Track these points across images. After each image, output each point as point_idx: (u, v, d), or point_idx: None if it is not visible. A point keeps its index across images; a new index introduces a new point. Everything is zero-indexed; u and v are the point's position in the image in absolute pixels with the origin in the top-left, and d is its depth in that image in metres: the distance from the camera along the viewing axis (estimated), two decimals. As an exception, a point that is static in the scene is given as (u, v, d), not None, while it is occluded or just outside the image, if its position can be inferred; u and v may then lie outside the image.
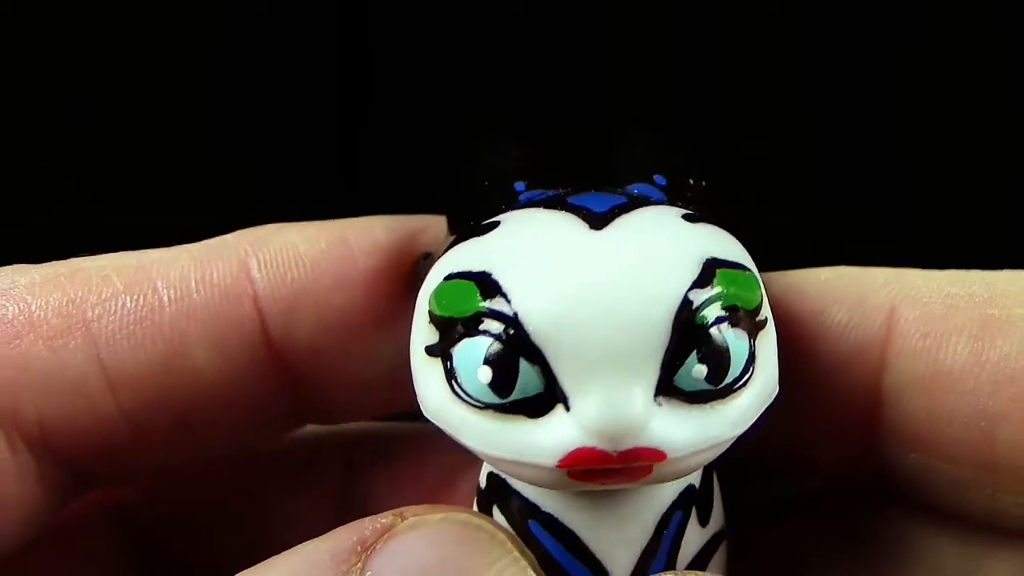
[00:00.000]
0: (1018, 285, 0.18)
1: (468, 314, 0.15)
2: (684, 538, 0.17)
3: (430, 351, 0.16)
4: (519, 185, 0.18)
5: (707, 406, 0.15)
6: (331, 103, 0.34)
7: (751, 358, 0.16)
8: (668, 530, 0.17)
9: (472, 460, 0.17)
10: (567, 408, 0.15)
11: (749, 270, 0.16)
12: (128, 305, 0.19)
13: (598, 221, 0.16)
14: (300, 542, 0.16)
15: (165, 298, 0.19)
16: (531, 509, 0.17)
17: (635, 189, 0.18)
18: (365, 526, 0.16)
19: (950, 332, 0.18)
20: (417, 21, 0.34)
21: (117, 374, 0.19)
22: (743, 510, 0.20)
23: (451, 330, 0.16)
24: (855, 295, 0.18)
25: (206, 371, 0.19)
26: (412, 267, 0.19)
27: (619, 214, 0.16)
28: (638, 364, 0.15)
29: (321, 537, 0.16)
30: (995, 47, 0.33)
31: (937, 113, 0.33)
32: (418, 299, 0.17)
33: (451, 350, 0.16)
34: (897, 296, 0.18)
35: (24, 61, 0.33)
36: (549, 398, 0.15)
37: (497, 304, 0.15)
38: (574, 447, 0.15)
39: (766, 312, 0.16)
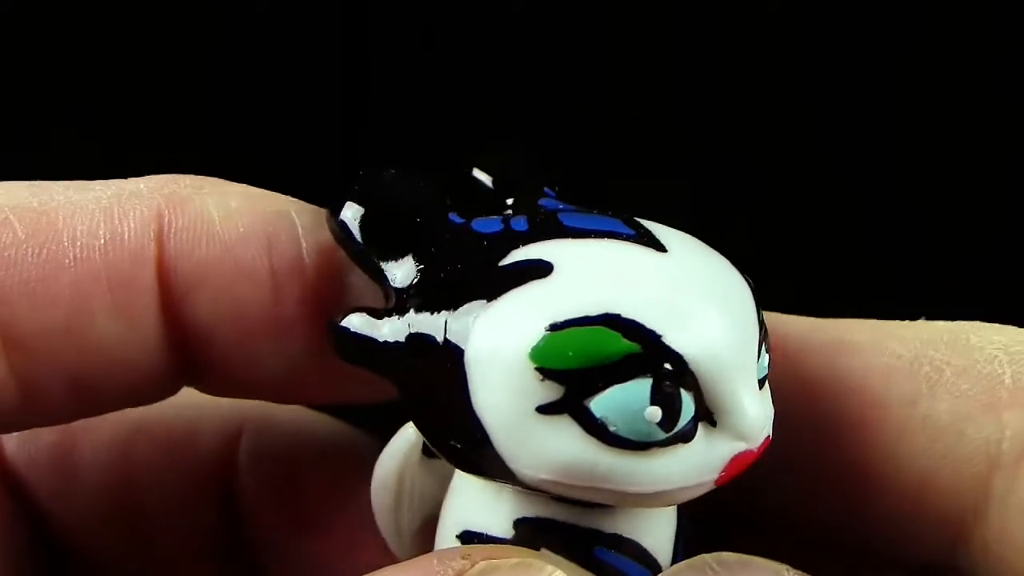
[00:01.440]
0: (870, 326, 0.19)
1: (614, 359, 0.15)
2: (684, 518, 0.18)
3: (548, 410, 0.15)
4: (550, 191, 0.18)
5: (765, 389, 0.17)
6: (331, 103, 0.34)
7: None
8: (682, 511, 0.18)
9: (359, 478, 0.18)
10: (712, 424, 0.16)
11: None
12: (30, 259, 0.17)
13: (649, 243, 0.17)
14: (180, 516, 0.15)
15: (71, 255, 0.17)
16: (595, 536, 0.17)
17: (545, 204, 0.18)
18: (435, 570, 0.16)
19: (809, 352, 0.19)
20: (417, 21, 0.34)
21: (13, 333, 0.17)
22: None
23: (587, 380, 0.15)
24: (889, 359, 0.18)
25: (106, 337, 0.18)
26: (332, 324, 0.17)
27: (648, 232, 0.17)
28: (752, 368, 0.16)
29: (391, 569, 0.16)
30: (995, 48, 0.33)
31: (937, 115, 0.33)
32: (479, 360, 0.16)
33: (588, 400, 0.15)
34: (780, 330, 0.19)
35: (24, 64, 0.33)
36: (697, 420, 0.16)
37: (645, 343, 0.15)
38: (732, 456, 0.16)
39: None
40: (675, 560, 0.17)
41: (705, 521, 0.19)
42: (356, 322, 0.17)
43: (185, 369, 0.19)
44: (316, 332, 0.18)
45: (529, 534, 0.17)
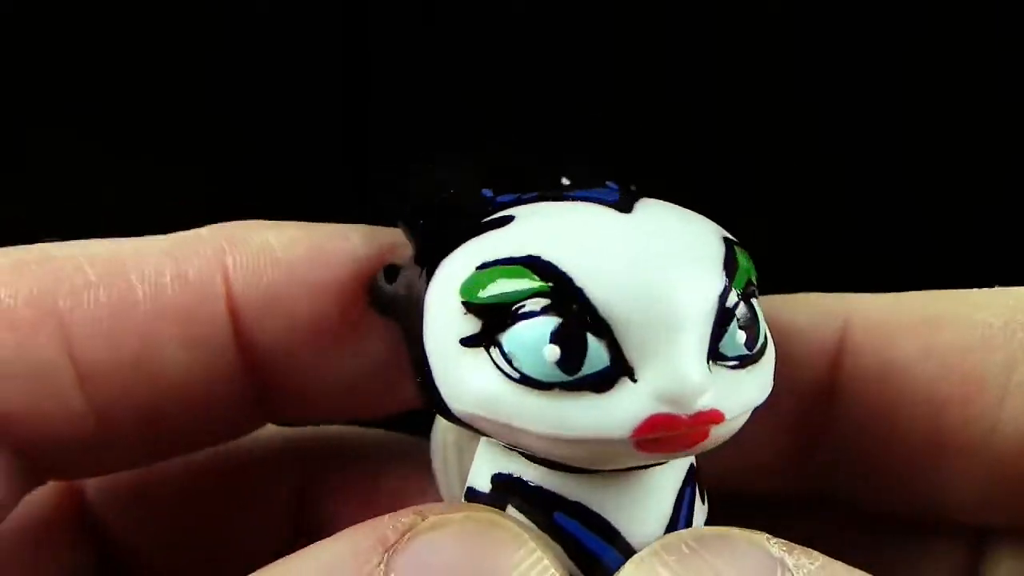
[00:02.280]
0: (950, 296, 0.20)
1: (524, 296, 0.16)
2: (694, 513, 0.18)
3: (468, 342, 0.16)
4: (486, 191, 0.18)
5: (744, 369, 0.16)
6: (331, 104, 0.34)
7: (763, 324, 0.17)
8: (684, 505, 0.18)
9: (426, 477, 0.18)
10: (633, 380, 0.16)
11: (742, 245, 0.18)
12: (101, 298, 0.18)
13: (620, 206, 0.17)
14: (254, 544, 0.16)
15: (140, 293, 0.18)
16: (556, 501, 0.17)
17: (595, 193, 0.18)
18: (386, 525, 0.16)
19: (897, 328, 0.19)
20: (418, 21, 0.34)
21: (88, 368, 0.18)
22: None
23: (500, 316, 0.16)
24: (811, 306, 0.20)
25: (176, 369, 0.19)
26: (371, 280, 0.19)
27: (632, 200, 0.17)
28: (695, 331, 0.16)
29: (336, 537, 0.16)
30: (995, 49, 0.33)
31: (936, 116, 0.33)
32: (430, 298, 0.17)
33: (500, 336, 0.16)
34: (850, 306, 0.20)
35: (24, 65, 0.33)
36: (615, 371, 0.16)
37: (558, 283, 0.16)
38: (648, 415, 0.15)
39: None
40: None
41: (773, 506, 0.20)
42: (381, 275, 0.18)
43: (261, 399, 0.20)
44: (383, 339, 0.19)
45: (501, 490, 0.18)
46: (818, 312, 0.20)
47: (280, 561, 0.16)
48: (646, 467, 0.17)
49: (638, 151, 0.33)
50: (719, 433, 0.16)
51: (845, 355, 0.19)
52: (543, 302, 0.16)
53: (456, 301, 0.16)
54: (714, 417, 0.16)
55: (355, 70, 0.34)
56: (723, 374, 0.16)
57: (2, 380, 0.18)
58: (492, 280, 0.16)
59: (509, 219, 0.17)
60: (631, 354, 0.16)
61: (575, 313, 0.16)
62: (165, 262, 0.19)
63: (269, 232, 0.19)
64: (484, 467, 0.18)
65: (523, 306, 0.16)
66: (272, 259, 0.19)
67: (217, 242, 0.19)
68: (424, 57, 0.34)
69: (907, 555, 0.21)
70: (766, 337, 0.17)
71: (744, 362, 0.17)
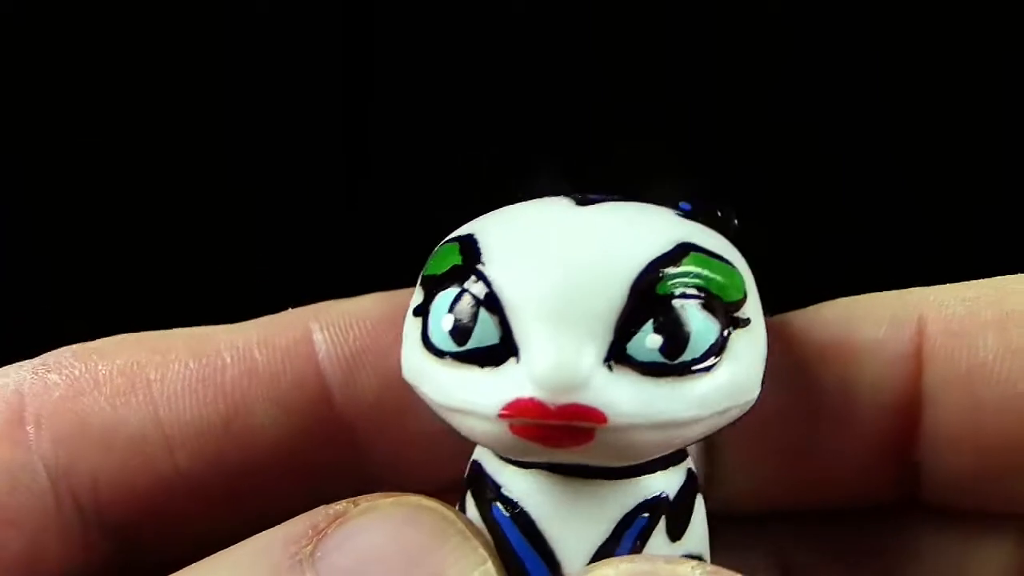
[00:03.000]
0: (1022, 284, 0.19)
1: (446, 270, 0.16)
2: (648, 545, 0.17)
3: (416, 312, 0.17)
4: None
5: (660, 380, 0.15)
6: (331, 105, 0.34)
7: (719, 346, 0.16)
8: (630, 530, 0.16)
9: None
10: (518, 360, 0.15)
11: (733, 265, 0.16)
12: (191, 366, 0.19)
13: (588, 202, 0.17)
14: None
15: (228, 359, 0.19)
16: (496, 491, 0.17)
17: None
18: (318, 513, 0.16)
19: (978, 328, 0.19)
20: (419, 23, 0.34)
21: (176, 432, 0.19)
22: (776, 532, 0.20)
23: (432, 287, 0.16)
24: (880, 312, 0.19)
25: (267, 430, 0.19)
26: None
27: (607, 200, 0.17)
28: (591, 322, 0.15)
29: (278, 525, 0.16)
30: (995, 49, 0.33)
31: (935, 117, 0.33)
32: None
33: (429, 306, 0.16)
34: (920, 305, 0.19)
35: (22, 65, 0.33)
36: (504, 350, 0.15)
37: (472, 261, 0.16)
38: (516, 396, 0.15)
39: (750, 314, 0.16)
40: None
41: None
42: None
43: (360, 466, 0.20)
44: None
45: (470, 476, 0.17)
46: (889, 320, 0.19)
47: (227, 549, 0.16)
48: (591, 477, 0.16)
49: (635, 150, 0.33)
50: (609, 440, 0.15)
51: (925, 363, 0.19)
52: (457, 276, 0.16)
53: (421, 276, 0.17)
54: (589, 415, 0.15)
55: (356, 70, 0.34)
56: (626, 378, 0.15)
57: (95, 447, 0.18)
58: (439, 254, 0.16)
59: (494, 210, 0.17)
60: (519, 335, 0.15)
61: (475, 288, 0.15)
62: (253, 333, 0.19)
63: (353, 301, 0.20)
64: (474, 452, 0.18)
65: (445, 278, 0.16)
66: (358, 316, 0.19)
67: (304, 314, 0.20)
68: (424, 56, 0.34)
69: (1001, 554, 0.20)
70: (718, 356, 0.16)
71: (659, 371, 0.15)
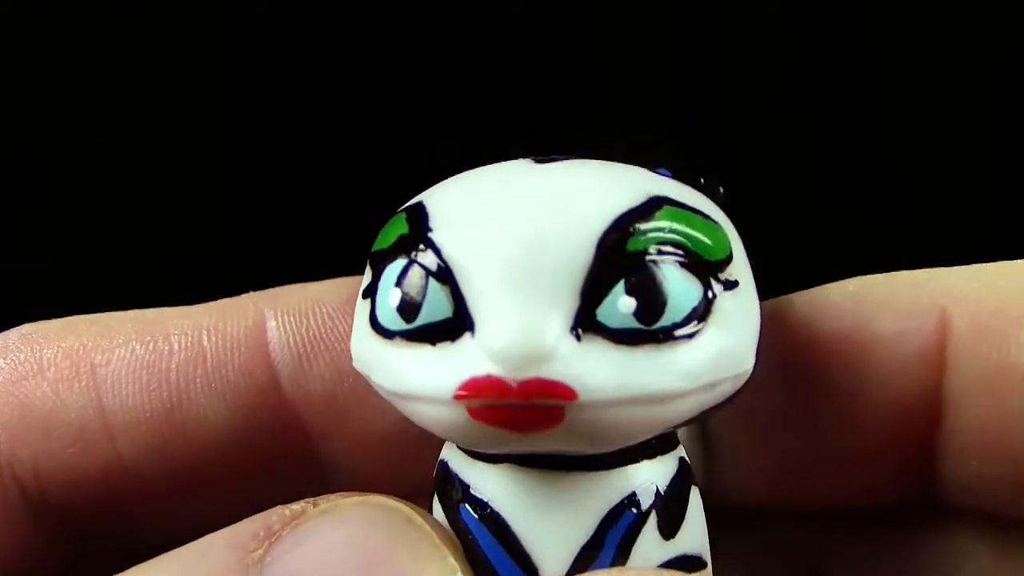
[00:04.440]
0: None
1: (392, 242, 0.14)
2: (638, 543, 0.15)
3: (364, 294, 0.15)
4: None
5: (636, 349, 0.14)
6: (331, 104, 0.34)
7: (702, 309, 0.14)
8: (615, 528, 0.15)
9: None
10: (473, 335, 0.14)
11: (715, 221, 0.15)
12: (137, 351, 0.18)
13: (548, 160, 0.15)
14: None
15: (175, 345, 0.18)
16: (464, 492, 0.15)
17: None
18: (273, 513, 0.15)
19: (1009, 325, 0.17)
20: (419, 23, 0.34)
21: (118, 420, 0.18)
22: (774, 522, 0.19)
23: (378, 264, 0.15)
24: (899, 301, 0.17)
25: (212, 421, 0.18)
26: None
27: (570, 157, 0.15)
28: (553, 287, 0.13)
29: (230, 526, 0.15)
30: (996, 49, 0.33)
31: (935, 116, 0.33)
32: None
33: (377, 284, 0.15)
34: (945, 296, 0.17)
35: (22, 63, 0.33)
36: (458, 325, 0.14)
37: (419, 229, 0.14)
38: (470, 375, 0.13)
39: (738, 275, 0.15)
40: (571, 572, 0.15)
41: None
42: None
43: (311, 459, 0.19)
44: None
45: (437, 477, 0.16)
46: (908, 311, 0.17)
47: (171, 552, 0.15)
48: (573, 470, 0.15)
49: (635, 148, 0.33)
50: (582, 420, 0.13)
51: (949, 362, 0.17)
52: (403, 247, 0.14)
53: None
54: (556, 391, 0.13)
55: (355, 69, 0.34)
56: (597, 347, 0.13)
57: (37, 433, 0.18)
58: (385, 229, 0.15)
59: (447, 178, 0.16)
60: (474, 305, 0.13)
61: (423, 258, 0.14)
62: (204, 318, 0.19)
63: (311, 286, 0.19)
64: (442, 452, 0.16)
65: (390, 251, 0.14)
66: (314, 306, 0.19)
67: (257, 299, 0.19)
68: (424, 56, 0.34)
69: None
70: (702, 320, 0.14)
71: (634, 339, 0.13)
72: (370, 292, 0.15)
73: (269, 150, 0.34)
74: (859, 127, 0.33)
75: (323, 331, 0.19)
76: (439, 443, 0.16)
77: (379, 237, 0.15)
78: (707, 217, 0.15)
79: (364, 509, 0.15)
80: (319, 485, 0.19)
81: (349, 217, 0.32)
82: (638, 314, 0.13)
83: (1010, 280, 0.17)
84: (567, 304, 0.13)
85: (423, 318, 0.14)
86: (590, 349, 0.13)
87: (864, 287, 0.18)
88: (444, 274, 0.14)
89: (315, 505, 0.15)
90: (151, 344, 0.18)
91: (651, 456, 0.15)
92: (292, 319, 0.18)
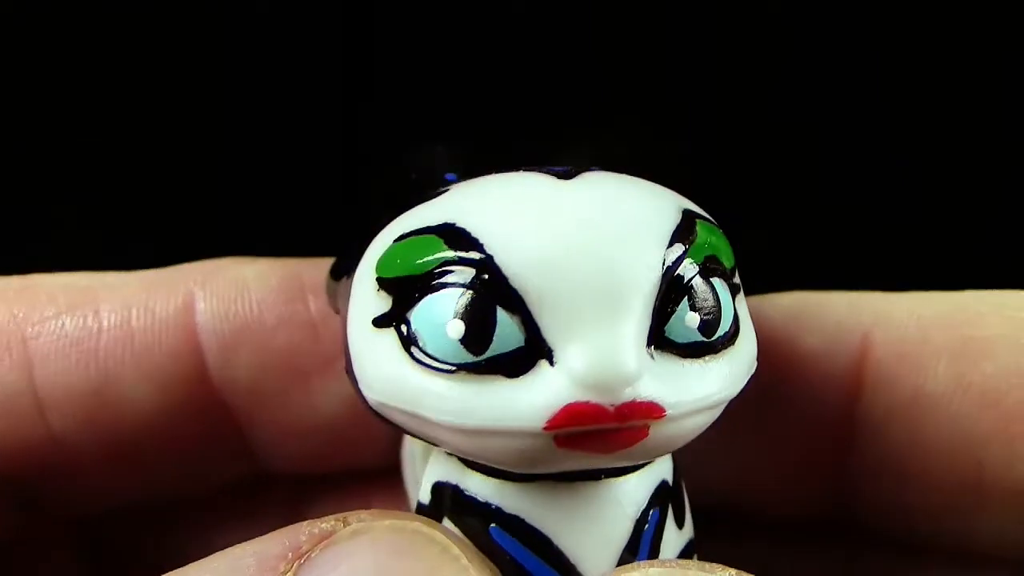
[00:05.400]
0: (989, 305, 0.17)
1: (431, 267, 0.14)
2: (664, 538, 0.16)
3: (380, 322, 0.14)
4: (450, 176, 0.16)
5: (700, 361, 0.14)
6: (331, 103, 0.34)
7: (736, 317, 0.15)
8: (648, 528, 0.15)
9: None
10: (552, 363, 0.13)
11: (720, 229, 0.15)
12: (67, 326, 0.18)
13: (564, 175, 0.15)
14: None
15: (105, 323, 0.18)
16: (492, 513, 0.15)
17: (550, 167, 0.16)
18: (302, 531, 0.14)
19: (929, 355, 0.17)
20: (419, 22, 0.34)
21: (48, 395, 0.18)
22: (714, 536, 0.19)
23: (409, 291, 0.14)
24: (825, 320, 0.18)
25: (139, 401, 0.18)
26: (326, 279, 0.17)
27: (583, 171, 0.15)
28: (629, 309, 0.13)
29: (252, 540, 0.15)
30: (996, 49, 0.33)
31: (935, 116, 0.33)
32: (354, 280, 0.15)
33: (409, 313, 0.14)
34: (869, 319, 0.17)
35: (22, 63, 0.33)
36: (531, 353, 0.14)
37: (467, 251, 0.14)
38: (564, 403, 0.13)
39: (737, 279, 0.16)
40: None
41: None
42: (328, 271, 0.17)
43: (237, 440, 0.19)
44: None
45: (438, 500, 0.16)
46: (833, 329, 0.17)
47: (192, 564, 0.15)
48: (601, 478, 0.15)
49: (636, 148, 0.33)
50: (663, 433, 0.14)
51: (865, 386, 0.17)
52: (452, 273, 0.14)
53: (372, 279, 0.15)
54: (650, 411, 0.13)
55: (355, 69, 0.34)
56: (668, 363, 0.14)
57: None
58: (405, 252, 0.14)
59: (443, 193, 0.15)
60: (549, 332, 0.13)
61: (484, 284, 0.13)
62: (134, 294, 0.18)
63: (243, 267, 0.19)
64: (429, 475, 0.16)
65: (432, 278, 0.14)
66: (242, 291, 0.18)
67: (189, 277, 0.19)
68: (424, 55, 0.34)
69: None
70: (737, 326, 0.15)
71: (699, 351, 0.14)
72: (392, 321, 0.14)
73: (269, 150, 0.34)
74: (859, 127, 0.33)
75: (249, 318, 0.18)
76: (377, 436, 0.16)
77: (392, 261, 0.14)
78: (716, 224, 0.15)
79: (397, 535, 0.14)
80: (247, 465, 0.19)
81: (349, 217, 0.32)
82: (702, 328, 0.14)
83: (934, 309, 0.17)
84: (643, 323, 0.14)
85: (494, 350, 0.13)
86: (665, 365, 0.14)
87: (798, 303, 0.18)
88: (514, 301, 0.13)
89: (345, 523, 0.14)
90: (81, 320, 0.18)
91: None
92: (219, 304, 0.18)
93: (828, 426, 0.18)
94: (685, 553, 0.16)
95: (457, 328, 0.14)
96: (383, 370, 0.14)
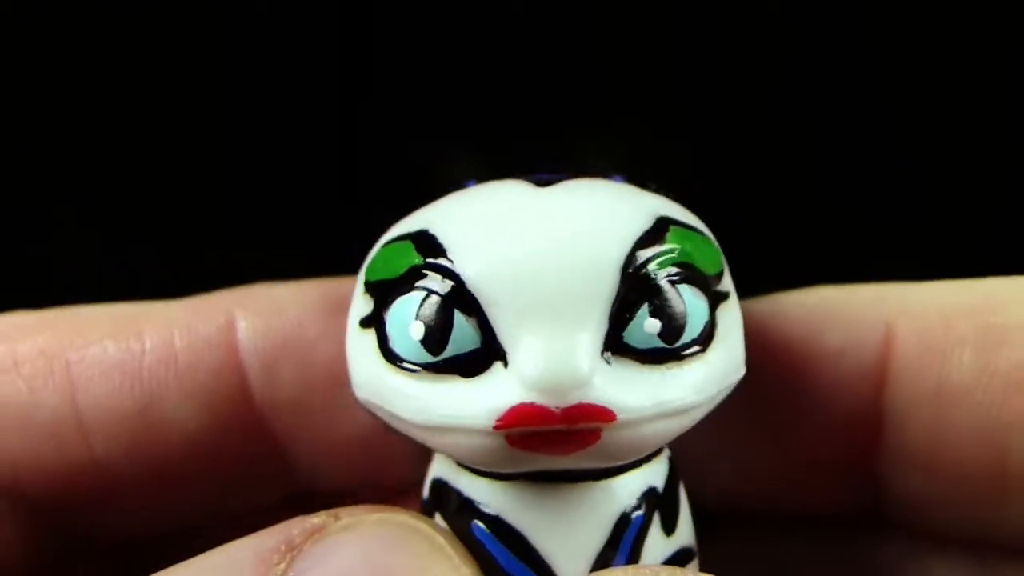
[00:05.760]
0: (1013, 291, 0.18)
1: (403, 271, 0.15)
2: (646, 544, 0.16)
3: (364, 323, 0.15)
4: (470, 183, 0.17)
5: (661, 367, 0.14)
6: (330, 106, 0.34)
7: (710, 325, 0.15)
8: (628, 532, 0.16)
9: None
10: (505, 364, 0.14)
11: (708, 236, 0.16)
12: (110, 349, 0.19)
13: (545, 182, 0.16)
14: None
15: (148, 344, 0.19)
16: (474, 510, 0.16)
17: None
18: (294, 526, 0.15)
19: (953, 344, 0.17)
20: (419, 22, 0.34)
21: (92, 418, 0.18)
22: (736, 536, 0.19)
23: (385, 294, 0.15)
24: (848, 315, 0.18)
25: (183, 421, 0.19)
26: None
27: (569, 178, 0.16)
28: (583, 313, 0.14)
29: (247, 536, 0.15)
30: (996, 49, 0.33)
31: (935, 117, 0.33)
32: (357, 285, 0.16)
33: (384, 314, 0.15)
34: (892, 312, 0.18)
35: (21, 63, 0.33)
36: (487, 354, 0.14)
37: (435, 257, 0.14)
38: (512, 404, 0.14)
39: (728, 286, 0.16)
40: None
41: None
42: None
43: (279, 460, 0.19)
44: None
45: (434, 496, 0.16)
46: (855, 325, 0.18)
47: (190, 560, 0.15)
48: (581, 480, 0.15)
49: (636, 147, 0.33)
50: (618, 438, 0.14)
51: (891, 378, 0.18)
52: (420, 278, 0.14)
53: (362, 282, 0.15)
54: (598, 414, 0.14)
55: (356, 70, 0.34)
56: (626, 368, 0.14)
57: (13, 429, 0.18)
58: (387, 257, 0.15)
59: (438, 199, 0.16)
60: (504, 335, 0.14)
61: (443, 288, 0.14)
62: (176, 317, 0.19)
63: (282, 287, 0.19)
64: (431, 472, 0.17)
65: (403, 282, 0.15)
66: (282, 308, 0.19)
67: (229, 299, 0.19)
68: (424, 54, 0.34)
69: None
70: (710, 334, 0.15)
71: (659, 358, 0.14)
72: (372, 322, 0.15)
73: (269, 150, 0.34)
74: (859, 127, 0.33)
75: (290, 336, 0.19)
76: (413, 450, 0.16)
77: (375, 266, 0.15)
78: (703, 233, 0.16)
79: (387, 528, 0.15)
80: (289, 484, 0.20)
81: (349, 217, 0.32)
82: (663, 334, 0.14)
83: (957, 298, 0.18)
84: (597, 328, 0.14)
85: (451, 350, 0.14)
86: (621, 371, 0.14)
87: (821, 297, 0.18)
88: (469, 305, 0.14)
89: (336, 519, 0.15)
90: (124, 343, 0.19)
91: (649, 460, 0.16)
92: (262, 321, 0.19)
93: (855, 421, 0.18)
94: (674, 561, 0.16)
95: (418, 329, 0.14)
96: (366, 369, 0.15)
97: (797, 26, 0.33)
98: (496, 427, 0.14)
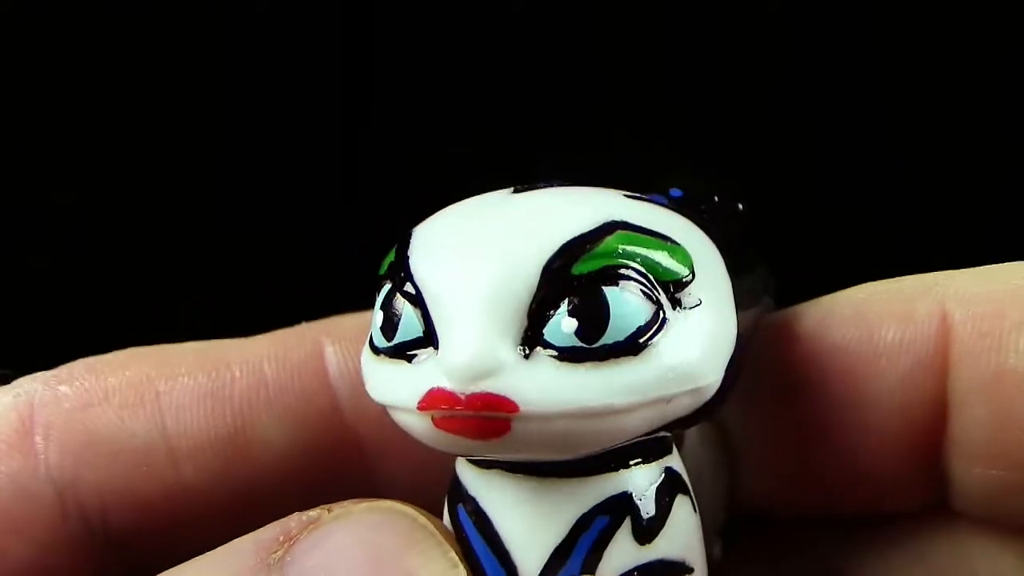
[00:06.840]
0: None
1: (385, 269, 0.16)
2: (609, 549, 0.16)
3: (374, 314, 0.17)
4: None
5: (579, 366, 0.14)
6: (331, 107, 0.34)
7: (649, 327, 0.15)
8: (587, 533, 0.16)
9: None
10: (436, 351, 0.15)
11: (674, 242, 0.16)
12: (200, 379, 0.19)
13: (521, 189, 0.16)
14: None
15: (237, 372, 0.19)
16: (460, 492, 0.17)
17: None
18: (292, 520, 0.16)
19: (1008, 329, 0.17)
20: (419, 22, 0.34)
21: (182, 445, 0.19)
22: (794, 527, 0.19)
23: (378, 287, 0.16)
24: (901, 309, 0.18)
25: (274, 445, 0.19)
26: None
27: (558, 186, 0.16)
28: (502, 309, 0.15)
29: (253, 531, 0.16)
30: (996, 49, 0.33)
31: (935, 117, 0.33)
32: None
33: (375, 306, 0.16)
34: (944, 300, 0.17)
35: (22, 64, 0.33)
36: (426, 342, 0.15)
37: (402, 257, 0.16)
38: (430, 387, 0.15)
39: (703, 293, 0.15)
40: (543, 573, 0.16)
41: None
42: None
43: (370, 480, 0.20)
44: None
45: (451, 483, 0.17)
46: (910, 317, 0.17)
47: (199, 557, 0.16)
48: (549, 476, 0.16)
49: (634, 147, 0.33)
50: (527, 431, 0.14)
51: (951, 366, 0.17)
52: (390, 273, 0.16)
53: None
54: (499, 404, 0.14)
55: (356, 70, 0.34)
56: (542, 364, 0.15)
57: (102, 458, 0.19)
58: (388, 256, 0.16)
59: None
60: (439, 325, 0.15)
61: (400, 283, 0.16)
62: (264, 348, 0.19)
63: (363, 315, 0.19)
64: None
65: (383, 278, 0.16)
66: (367, 334, 0.19)
67: (315, 329, 0.20)
68: (424, 54, 0.34)
69: None
70: (644, 338, 0.15)
71: (578, 357, 0.14)
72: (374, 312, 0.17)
73: (269, 151, 0.34)
74: (859, 128, 0.33)
75: None
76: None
77: (383, 262, 0.16)
78: (665, 238, 0.15)
79: (374, 513, 0.16)
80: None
81: (349, 217, 0.32)
82: (580, 333, 0.15)
83: (1008, 283, 0.17)
84: (514, 323, 0.15)
85: (399, 337, 0.15)
86: (536, 366, 0.15)
87: (868, 295, 0.18)
88: (416, 299, 0.15)
89: (329, 511, 0.16)
90: (213, 372, 0.19)
91: (632, 464, 0.16)
92: (349, 344, 0.19)
93: (918, 414, 0.18)
94: (648, 572, 0.16)
95: (380, 317, 0.16)
96: (362, 354, 0.17)
97: (797, 26, 0.33)
98: (419, 407, 0.15)
